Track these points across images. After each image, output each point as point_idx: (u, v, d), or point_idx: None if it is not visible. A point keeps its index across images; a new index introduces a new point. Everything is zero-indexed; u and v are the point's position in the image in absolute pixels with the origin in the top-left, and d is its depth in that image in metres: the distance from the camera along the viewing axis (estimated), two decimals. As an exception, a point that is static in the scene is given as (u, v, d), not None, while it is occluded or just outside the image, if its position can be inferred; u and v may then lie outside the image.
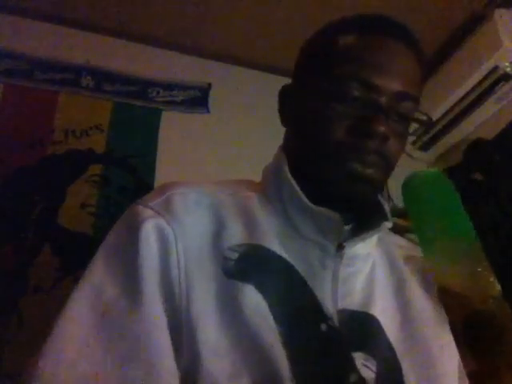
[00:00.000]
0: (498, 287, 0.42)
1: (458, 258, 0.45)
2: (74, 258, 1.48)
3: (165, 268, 0.54)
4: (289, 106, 0.69)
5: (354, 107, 0.60)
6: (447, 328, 0.64)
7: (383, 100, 0.60)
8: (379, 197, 0.66)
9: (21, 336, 1.37)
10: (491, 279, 0.43)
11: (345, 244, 0.61)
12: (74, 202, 1.57)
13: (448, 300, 0.44)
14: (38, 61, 1.68)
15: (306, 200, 0.61)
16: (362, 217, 0.66)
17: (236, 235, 0.59)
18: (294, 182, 0.62)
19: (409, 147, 1.96)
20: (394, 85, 0.60)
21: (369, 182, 0.61)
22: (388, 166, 0.63)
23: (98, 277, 0.55)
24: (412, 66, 0.63)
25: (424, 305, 0.66)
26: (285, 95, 0.71)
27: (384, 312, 0.62)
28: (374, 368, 0.56)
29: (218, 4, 1.66)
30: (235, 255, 0.57)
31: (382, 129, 0.58)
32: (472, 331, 0.42)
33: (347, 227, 0.64)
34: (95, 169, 1.64)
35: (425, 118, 0.65)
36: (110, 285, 0.53)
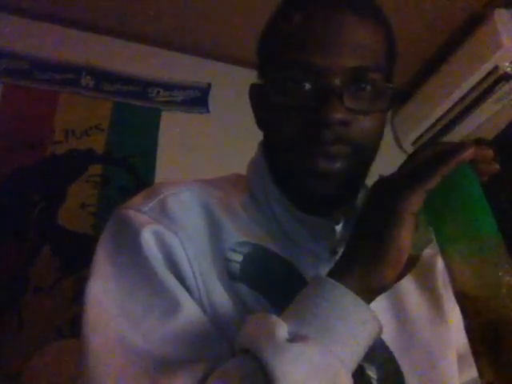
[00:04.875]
0: None
1: (479, 260, 0.42)
2: (74, 258, 1.48)
3: (177, 274, 0.51)
4: (256, 105, 0.65)
5: (305, 96, 0.54)
6: (444, 324, 0.63)
7: (335, 81, 0.52)
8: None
9: (21, 336, 1.37)
10: None
11: (337, 250, 0.58)
12: (74, 201, 1.57)
13: (466, 305, 0.42)
14: (38, 61, 1.68)
15: (293, 208, 0.58)
16: (350, 212, 0.61)
17: (233, 234, 0.56)
18: (277, 190, 0.59)
19: (409, 147, 1.96)
20: (345, 61, 0.53)
21: (336, 177, 0.55)
22: (360, 153, 0.56)
23: (115, 293, 0.51)
24: (366, 33, 0.55)
25: (418, 301, 0.64)
26: (252, 94, 0.66)
27: (378, 315, 0.60)
28: (374, 375, 0.55)
29: (218, 4, 1.66)
30: (239, 257, 0.54)
31: (335, 115, 0.51)
32: (491, 339, 0.40)
33: (338, 227, 0.59)
34: (95, 169, 1.64)
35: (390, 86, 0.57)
36: (131, 297, 0.50)
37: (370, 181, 0.64)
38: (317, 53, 0.53)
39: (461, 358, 0.63)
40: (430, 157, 0.46)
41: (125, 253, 0.53)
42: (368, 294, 0.46)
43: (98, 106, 1.71)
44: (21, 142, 1.59)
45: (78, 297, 1.44)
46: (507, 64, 1.56)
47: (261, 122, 0.65)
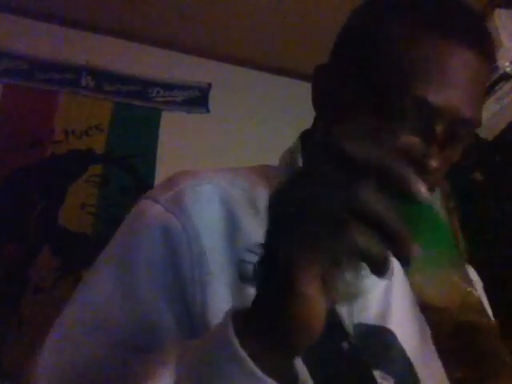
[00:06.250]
0: (476, 296, 0.40)
1: (435, 271, 0.42)
2: (74, 258, 1.48)
3: (174, 272, 0.51)
4: (322, 88, 0.59)
5: (402, 125, 0.48)
6: None
7: (442, 125, 0.48)
8: None
9: (21, 336, 1.37)
10: (468, 289, 0.40)
11: None
12: (74, 202, 1.57)
13: (429, 315, 0.43)
14: (38, 61, 1.68)
15: None
16: None
17: (251, 234, 0.54)
18: None
19: (409, 147, 1.96)
20: (459, 109, 0.48)
21: None
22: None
23: (100, 282, 0.52)
24: (482, 81, 0.51)
25: None
26: (320, 73, 0.59)
27: (401, 324, 0.59)
28: None
29: (218, 4, 1.66)
30: (253, 257, 0.53)
31: (433, 165, 0.48)
32: (455, 348, 0.40)
33: None
34: (95, 169, 1.64)
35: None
36: (108, 286, 0.51)
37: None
38: (434, 90, 0.48)
39: None
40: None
41: (129, 255, 0.53)
42: (275, 358, 0.35)
43: (98, 106, 1.72)
44: (21, 142, 1.59)
45: (77, 297, 1.44)
46: (507, 64, 1.56)
47: (333, 112, 0.57)
